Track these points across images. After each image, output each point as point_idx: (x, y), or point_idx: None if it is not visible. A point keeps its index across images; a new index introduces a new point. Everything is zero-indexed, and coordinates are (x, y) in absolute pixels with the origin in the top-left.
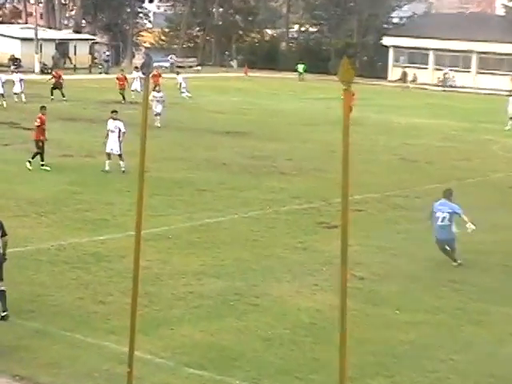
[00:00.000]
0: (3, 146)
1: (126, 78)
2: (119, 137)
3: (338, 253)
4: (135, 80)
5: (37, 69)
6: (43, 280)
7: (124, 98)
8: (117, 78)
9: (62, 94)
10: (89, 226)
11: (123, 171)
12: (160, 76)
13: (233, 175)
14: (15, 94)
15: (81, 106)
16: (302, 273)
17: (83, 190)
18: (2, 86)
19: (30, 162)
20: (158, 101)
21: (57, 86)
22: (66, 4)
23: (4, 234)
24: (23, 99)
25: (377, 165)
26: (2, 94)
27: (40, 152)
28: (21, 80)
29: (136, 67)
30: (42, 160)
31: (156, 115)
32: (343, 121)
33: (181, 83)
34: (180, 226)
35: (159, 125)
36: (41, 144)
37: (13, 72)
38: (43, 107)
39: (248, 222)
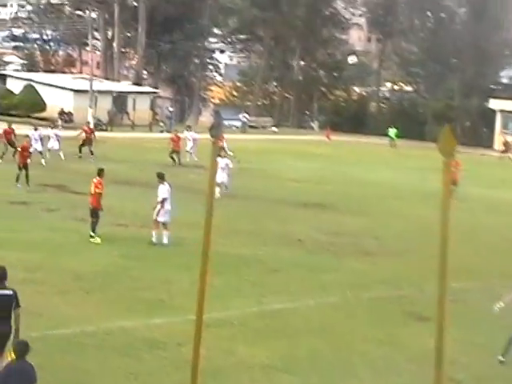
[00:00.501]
0: (49, 212)
1: (179, 139)
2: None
3: (431, 349)
4: (188, 141)
5: (90, 125)
6: (88, 367)
7: (174, 159)
8: (171, 139)
9: (91, 152)
10: (142, 306)
11: (165, 243)
12: (223, 138)
13: (309, 254)
14: (49, 150)
15: (137, 169)
16: (386, 371)
17: (137, 264)
18: (41, 143)
19: (92, 236)
20: (221, 168)
21: (86, 142)
22: (125, 52)
23: (17, 306)
24: (62, 157)
25: (480, 247)
26: (41, 152)
27: (95, 219)
28: (57, 136)
29: (188, 126)
30: (92, 230)
31: (218, 185)
32: (442, 195)
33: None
34: (247, 310)
35: (219, 195)
36: (97, 213)
37: (55, 127)
38: (101, 170)
39: (325, 308)
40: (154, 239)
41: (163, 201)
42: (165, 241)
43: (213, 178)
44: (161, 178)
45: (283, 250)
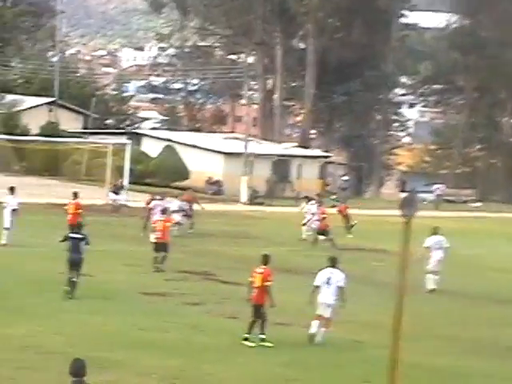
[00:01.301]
0: (191, 306)
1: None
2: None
3: None
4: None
5: (244, 197)
6: None
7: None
8: (338, 211)
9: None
10: None
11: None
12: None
13: None
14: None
15: (302, 253)
16: None
17: (302, 375)
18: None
19: (247, 339)
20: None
21: (323, 230)
22: (289, 106)
23: None
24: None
25: None
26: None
27: (260, 319)
28: (182, 211)
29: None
30: (250, 333)
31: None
32: None
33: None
34: None
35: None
36: (262, 309)
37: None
38: (266, 256)
39: None
40: (312, 330)
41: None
42: (319, 338)
43: (404, 269)
44: (332, 263)
45: (490, 362)
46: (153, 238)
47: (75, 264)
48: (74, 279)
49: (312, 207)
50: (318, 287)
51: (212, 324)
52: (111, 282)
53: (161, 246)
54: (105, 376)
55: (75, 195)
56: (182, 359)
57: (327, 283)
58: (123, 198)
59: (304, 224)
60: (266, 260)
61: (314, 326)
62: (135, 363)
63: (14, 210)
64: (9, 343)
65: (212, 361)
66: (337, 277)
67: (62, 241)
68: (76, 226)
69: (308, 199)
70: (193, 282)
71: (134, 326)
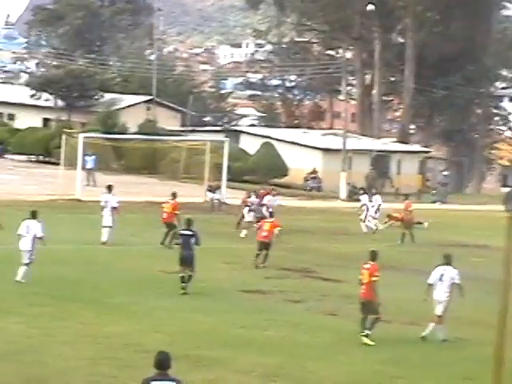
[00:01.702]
0: (291, 304)
1: None
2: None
3: None
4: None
5: (343, 193)
6: None
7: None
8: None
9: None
10: None
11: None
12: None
13: None
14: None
15: (406, 249)
16: None
17: (404, 372)
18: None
19: (367, 335)
20: None
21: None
22: (388, 101)
23: None
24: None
25: None
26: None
27: (370, 315)
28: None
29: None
30: (366, 328)
31: None
32: None
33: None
34: None
35: None
36: (371, 305)
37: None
38: (374, 252)
39: None
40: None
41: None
42: (441, 336)
43: (508, 264)
44: (447, 260)
45: None
46: (257, 236)
47: (186, 261)
48: (187, 274)
49: (364, 199)
50: (431, 285)
51: (312, 321)
52: (211, 279)
53: (265, 245)
54: (204, 374)
55: (174, 195)
56: (282, 357)
57: (440, 280)
58: (220, 196)
59: (363, 220)
60: (373, 256)
61: (430, 328)
62: (235, 361)
63: (113, 208)
64: (110, 341)
65: (313, 358)
66: (450, 273)
67: (177, 244)
68: (186, 224)
69: (364, 191)
70: (293, 280)
71: (233, 323)
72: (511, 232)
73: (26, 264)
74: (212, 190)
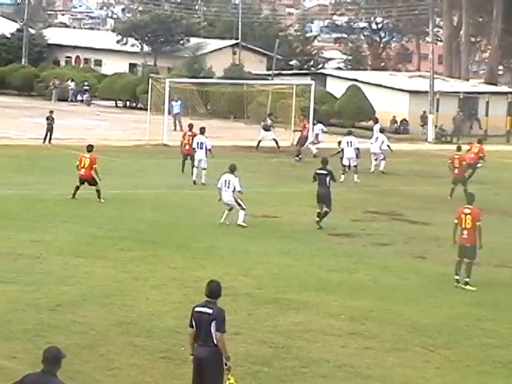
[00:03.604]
0: (379, 247)
1: None
2: None
3: None
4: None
5: (430, 135)
6: None
7: None
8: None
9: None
10: (500, 370)
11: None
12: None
13: None
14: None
15: (493, 191)
16: None
17: (492, 315)
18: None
19: (467, 283)
20: None
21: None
22: (476, 43)
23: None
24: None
25: None
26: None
27: (468, 260)
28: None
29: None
30: (465, 276)
31: None
32: None
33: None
34: None
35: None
36: (471, 250)
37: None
38: (471, 195)
39: None
40: None
41: None
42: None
43: None
44: None
45: None
46: None
47: (322, 197)
48: (323, 210)
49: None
50: None
51: (400, 264)
52: (298, 223)
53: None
54: (293, 317)
55: (190, 127)
56: (371, 300)
57: None
58: (272, 135)
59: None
60: (470, 199)
61: None
62: (324, 304)
63: (208, 150)
64: (198, 285)
65: (401, 301)
66: None
67: (314, 180)
68: (322, 163)
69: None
70: (380, 223)
71: (321, 267)
72: None
73: (231, 210)
74: (266, 128)
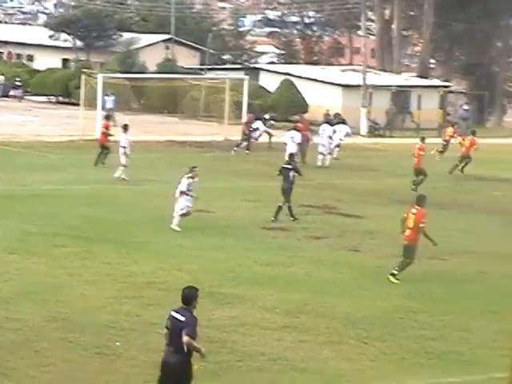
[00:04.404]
0: (313, 240)
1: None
2: None
3: None
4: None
5: (363, 129)
6: None
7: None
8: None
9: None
10: (434, 361)
11: None
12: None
13: None
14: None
15: (427, 185)
16: None
17: (426, 307)
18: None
19: (394, 274)
20: None
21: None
22: (408, 36)
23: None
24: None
25: None
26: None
27: (406, 258)
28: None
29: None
30: (399, 270)
31: None
32: None
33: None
34: None
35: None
36: (411, 250)
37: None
38: (421, 197)
39: None
40: None
41: None
42: None
43: None
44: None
45: None
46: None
47: (285, 191)
48: (280, 205)
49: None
50: None
51: (334, 257)
52: (232, 218)
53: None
54: (228, 311)
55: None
56: (306, 293)
57: None
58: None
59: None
60: (420, 201)
61: None
62: (258, 298)
63: (122, 147)
64: (133, 280)
65: (335, 294)
66: None
67: (279, 174)
68: (288, 158)
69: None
70: (314, 216)
71: (256, 261)
72: None
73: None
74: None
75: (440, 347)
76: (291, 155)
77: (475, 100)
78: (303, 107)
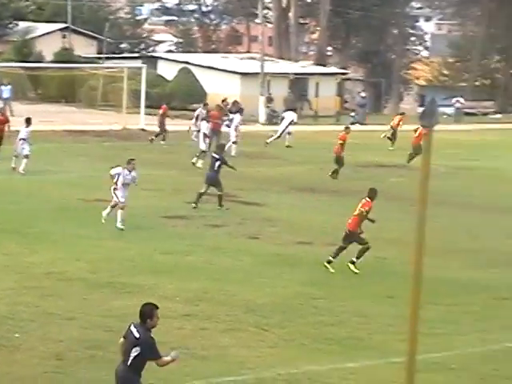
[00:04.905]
0: (213, 228)
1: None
2: None
3: None
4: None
5: (262, 117)
6: None
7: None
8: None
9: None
10: (333, 346)
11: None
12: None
13: None
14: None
15: (323, 172)
16: None
17: (325, 293)
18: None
19: (353, 262)
20: None
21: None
22: (304, 24)
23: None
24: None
25: None
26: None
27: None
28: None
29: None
30: (356, 257)
31: None
32: None
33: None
34: (468, 351)
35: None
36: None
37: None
38: (371, 190)
39: None
40: None
41: None
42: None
43: (425, 183)
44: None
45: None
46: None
47: (209, 179)
48: (218, 194)
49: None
50: None
51: (234, 245)
52: (131, 207)
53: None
54: (128, 301)
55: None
56: (205, 281)
57: None
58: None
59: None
60: (370, 193)
61: None
62: (158, 287)
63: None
64: (32, 271)
65: (235, 282)
66: None
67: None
68: (217, 148)
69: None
70: (213, 204)
71: (155, 250)
72: (427, 148)
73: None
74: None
75: (339, 333)
76: (221, 145)
77: (372, 87)
78: (201, 96)
